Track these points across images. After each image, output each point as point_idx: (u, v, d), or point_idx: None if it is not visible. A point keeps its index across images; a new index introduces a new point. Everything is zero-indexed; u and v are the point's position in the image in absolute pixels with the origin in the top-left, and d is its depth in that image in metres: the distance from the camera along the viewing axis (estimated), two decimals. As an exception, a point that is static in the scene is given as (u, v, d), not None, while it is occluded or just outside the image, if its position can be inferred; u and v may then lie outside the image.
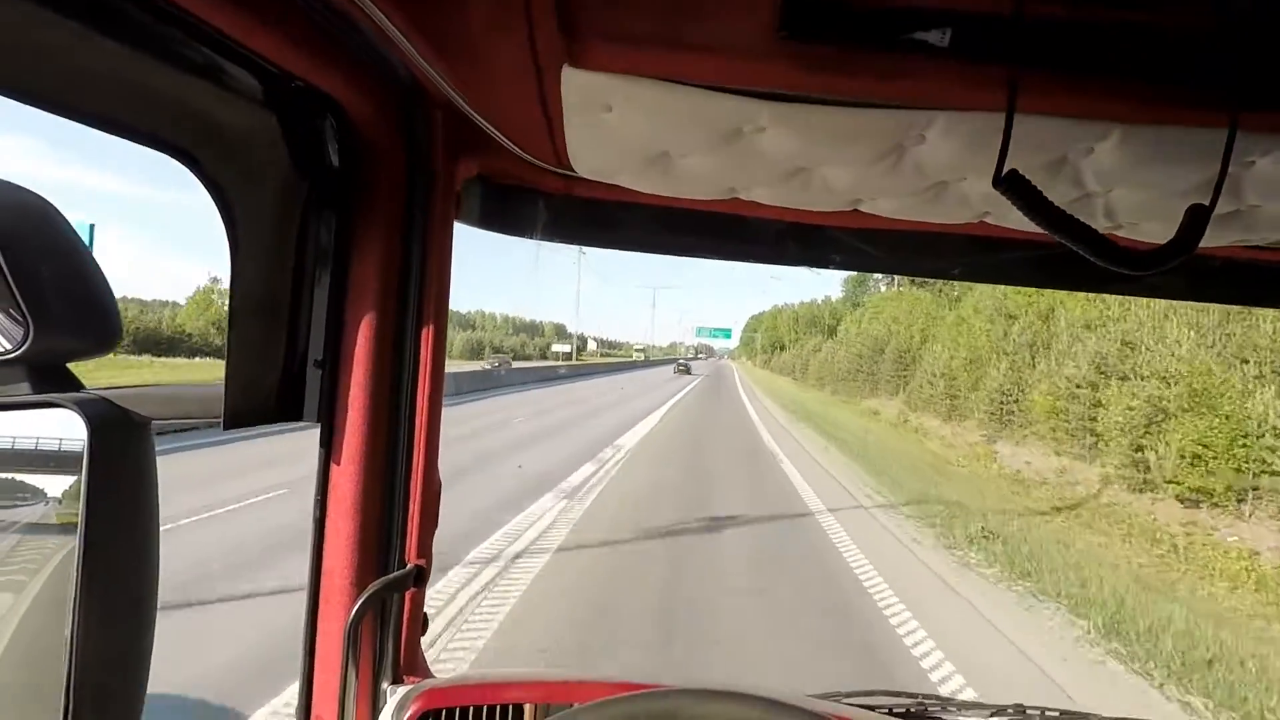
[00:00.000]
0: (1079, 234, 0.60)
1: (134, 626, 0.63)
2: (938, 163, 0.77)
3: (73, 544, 0.60)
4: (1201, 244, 0.61)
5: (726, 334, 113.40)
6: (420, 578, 0.90)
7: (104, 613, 0.59)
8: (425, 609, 0.98)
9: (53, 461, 0.65)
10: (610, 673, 0.97)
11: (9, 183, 0.62)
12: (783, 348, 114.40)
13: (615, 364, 73.31)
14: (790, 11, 0.58)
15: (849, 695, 1.08)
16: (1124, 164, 0.72)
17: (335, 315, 0.81)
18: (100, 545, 0.59)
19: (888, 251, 1.19)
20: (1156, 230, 0.89)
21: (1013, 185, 0.60)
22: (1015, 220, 0.94)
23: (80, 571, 0.58)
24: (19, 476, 0.68)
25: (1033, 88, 0.59)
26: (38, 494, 0.66)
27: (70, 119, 0.53)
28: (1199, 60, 0.60)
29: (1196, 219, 0.61)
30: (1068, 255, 0.63)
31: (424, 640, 1.00)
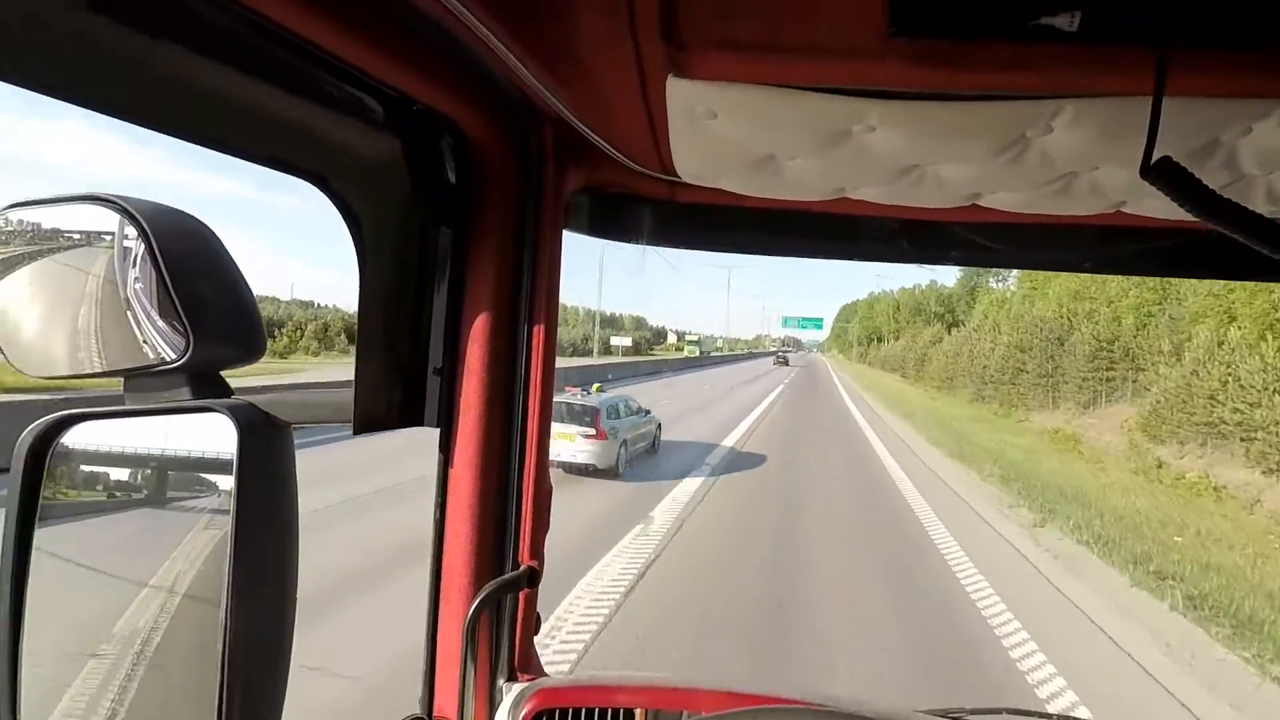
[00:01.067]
0: (1243, 221, 0.54)
1: (279, 612, 0.68)
2: (1067, 152, 0.72)
3: (222, 535, 0.66)
4: None
5: (818, 324, 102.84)
6: (533, 579, 0.93)
7: (253, 601, 0.65)
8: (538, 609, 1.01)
9: (206, 461, 0.71)
10: (722, 681, 0.97)
11: (173, 208, 0.68)
12: (880, 339, 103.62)
13: (659, 361, 60.90)
14: (901, 8, 0.55)
15: (971, 712, 1.04)
16: None
17: (453, 324, 0.85)
18: (249, 538, 0.65)
19: (1010, 245, 1.13)
20: None
21: (1164, 174, 0.55)
22: (1156, 208, 0.87)
23: (232, 562, 0.64)
24: (179, 475, 0.76)
25: (1177, 68, 0.54)
26: (194, 490, 0.73)
27: (213, 149, 0.58)
28: None
29: None
30: (1218, 242, 0.57)
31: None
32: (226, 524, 0.67)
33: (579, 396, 11.95)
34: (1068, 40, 0.55)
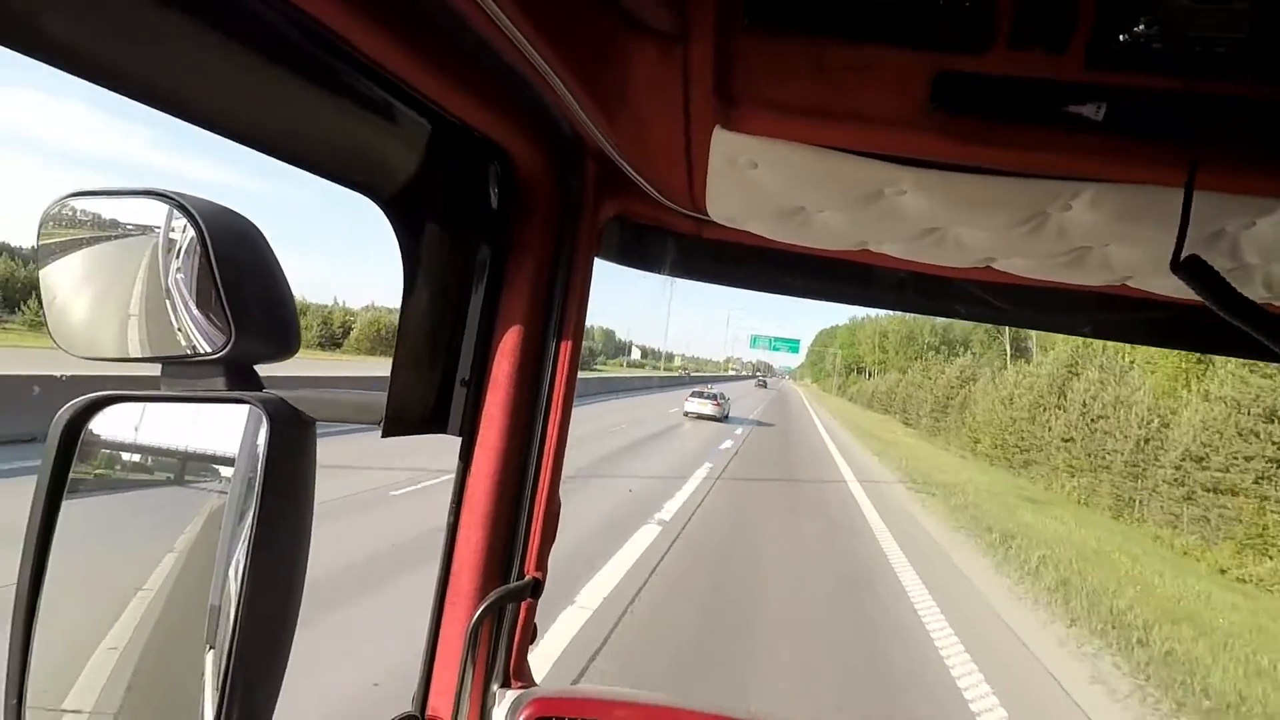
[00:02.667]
0: (1262, 321, 0.58)
1: (287, 601, 0.71)
2: (1084, 229, 0.76)
3: (234, 523, 0.69)
4: None
5: (794, 346, 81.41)
6: (536, 590, 0.95)
7: (266, 588, 0.67)
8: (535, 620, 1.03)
9: (233, 449, 0.74)
10: (718, 705, 0.99)
11: (226, 208, 0.72)
12: (860, 370, 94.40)
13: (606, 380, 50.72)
14: (942, 86, 0.59)
15: None
16: None
17: (484, 338, 0.88)
18: (269, 528, 0.67)
19: (1015, 306, 1.17)
20: None
21: (1194, 271, 0.58)
22: (1160, 285, 0.91)
23: (250, 550, 0.66)
24: (202, 462, 0.79)
25: (1198, 163, 0.58)
26: (214, 479, 0.76)
27: (277, 159, 0.62)
28: None
29: None
30: (1216, 319, 0.61)
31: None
32: (237, 512, 0.70)
33: (709, 388, 33.63)
34: (1093, 129, 0.59)
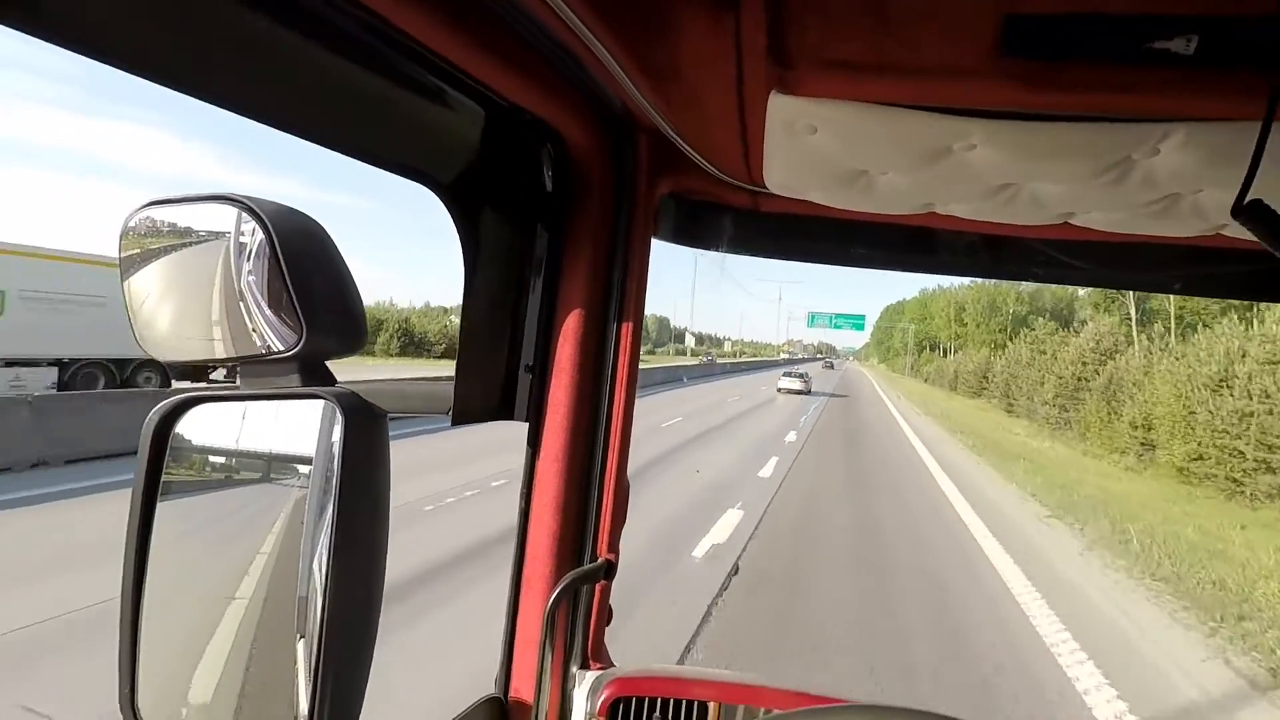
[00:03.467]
0: None
1: (370, 594, 0.72)
2: (1173, 175, 0.70)
3: (316, 517, 0.71)
4: None
5: (858, 323, 69.63)
6: (610, 572, 0.96)
7: (350, 583, 0.69)
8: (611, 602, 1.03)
9: (311, 444, 0.76)
10: (798, 683, 0.98)
11: (292, 208, 0.73)
12: (933, 348, 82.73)
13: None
14: (1012, 29, 0.55)
15: None
16: None
17: (545, 323, 0.89)
18: (348, 521, 0.69)
19: (1098, 265, 1.10)
20: None
21: (1255, 214, 0.54)
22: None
23: (332, 545, 0.68)
24: (283, 458, 0.81)
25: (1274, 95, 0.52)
26: (295, 474, 0.78)
27: (333, 150, 0.62)
28: None
29: None
30: None
31: None
32: (318, 504, 0.72)
33: (797, 368, 53.56)
34: (1182, 64, 0.55)
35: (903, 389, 55.15)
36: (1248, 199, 0.54)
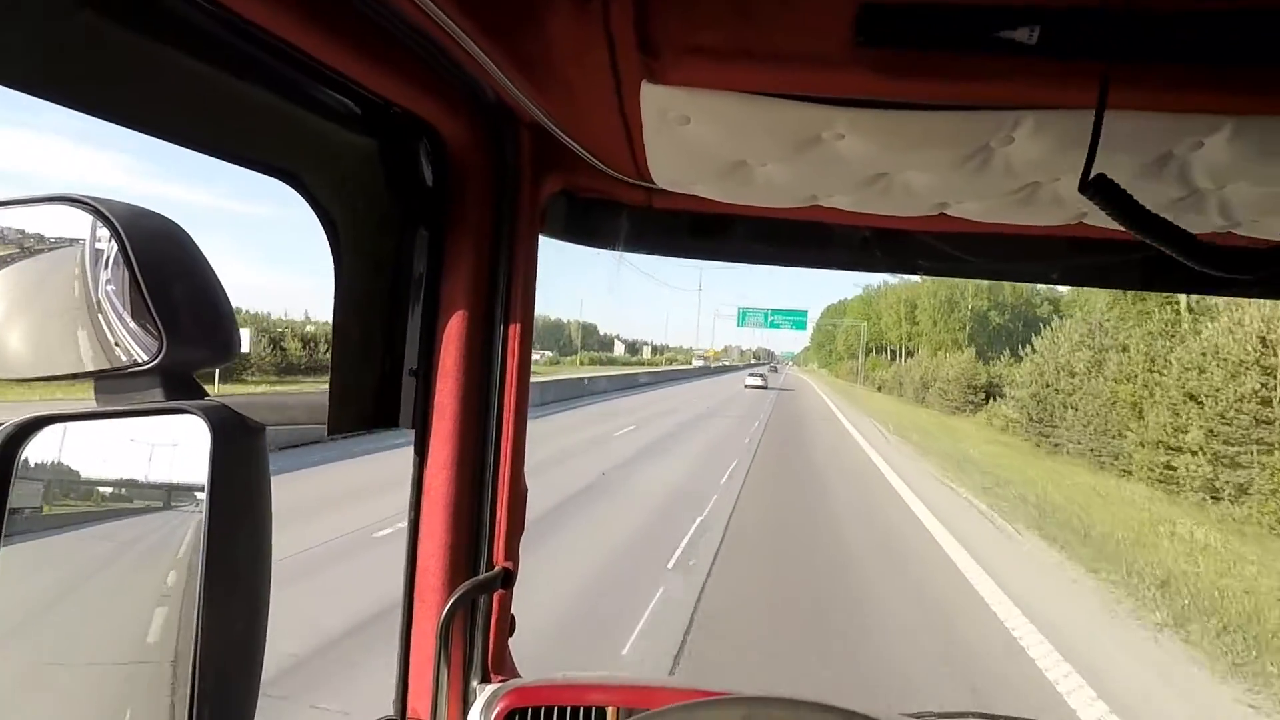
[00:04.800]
0: (1171, 237, 0.57)
1: (252, 612, 0.68)
2: (1029, 163, 0.75)
3: (187, 538, 0.66)
4: None
5: (799, 321, 60.28)
6: (508, 580, 0.93)
7: (226, 604, 0.64)
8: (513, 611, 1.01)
9: (178, 463, 0.70)
10: (692, 681, 0.98)
11: (146, 209, 0.68)
12: (880, 350, 74.23)
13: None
14: (867, 19, 0.57)
15: (944, 716, 1.05)
16: (1240, 158, 0.67)
17: (428, 326, 0.86)
18: (222, 541, 0.64)
19: (979, 255, 1.16)
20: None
21: (1100, 189, 0.57)
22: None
23: (204, 566, 0.63)
24: (148, 477, 0.75)
25: (1128, 82, 0.56)
26: (162, 493, 0.72)
27: (187, 148, 0.58)
28: None
29: None
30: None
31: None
32: (197, 527, 0.67)
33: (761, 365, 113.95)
34: (1027, 53, 0.58)
35: (862, 404, 42.39)
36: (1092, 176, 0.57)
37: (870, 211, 0.95)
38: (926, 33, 0.57)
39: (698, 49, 0.61)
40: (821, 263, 1.21)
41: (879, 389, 58.57)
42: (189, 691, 0.62)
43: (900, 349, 68.48)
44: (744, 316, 62.40)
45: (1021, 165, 0.74)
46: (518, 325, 0.92)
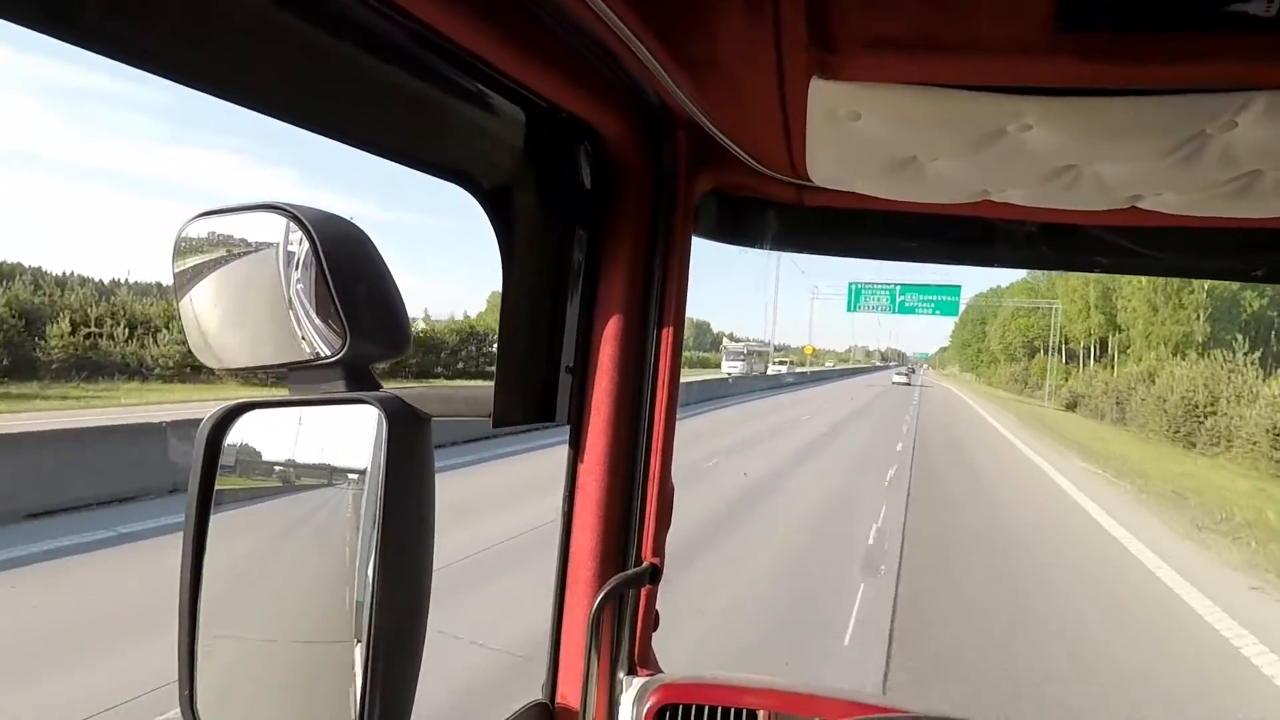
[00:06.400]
0: None
1: (417, 594, 0.72)
2: (1253, 150, 0.65)
3: (361, 521, 0.71)
4: None
5: (950, 304, 40.99)
6: (655, 576, 0.94)
7: (395, 584, 0.69)
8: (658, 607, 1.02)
9: (358, 448, 0.76)
10: (852, 689, 0.95)
11: (335, 215, 0.74)
12: (1045, 350, 50.72)
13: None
14: (1068, 1, 0.52)
15: None
16: None
17: (585, 324, 0.88)
18: (393, 524, 0.68)
19: (1170, 251, 1.04)
20: None
21: None
22: None
23: (378, 547, 0.68)
24: (330, 460, 0.81)
25: None
26: (339, 476, 0.78)
27: (370, 152, 0.62)
28: None
29: None
30: None
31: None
32: (366, 508, 0.72)
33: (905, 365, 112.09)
34: (1262, 29, 0.50)
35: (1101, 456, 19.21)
36: None
37: (1048, 206, 0.87)
38: (1140, 13, 0.51)
39: (878, 41, 0.58)
40: (983, 260, 1.13)
41: (1069, 407, 40.94)
42: (363, 665, 0.67)
43: (1091, 346, 48.55)
44: (858, 297, 41.93)
45: (1244, 152, 0.65)
46: (671, 325, 0.92)
